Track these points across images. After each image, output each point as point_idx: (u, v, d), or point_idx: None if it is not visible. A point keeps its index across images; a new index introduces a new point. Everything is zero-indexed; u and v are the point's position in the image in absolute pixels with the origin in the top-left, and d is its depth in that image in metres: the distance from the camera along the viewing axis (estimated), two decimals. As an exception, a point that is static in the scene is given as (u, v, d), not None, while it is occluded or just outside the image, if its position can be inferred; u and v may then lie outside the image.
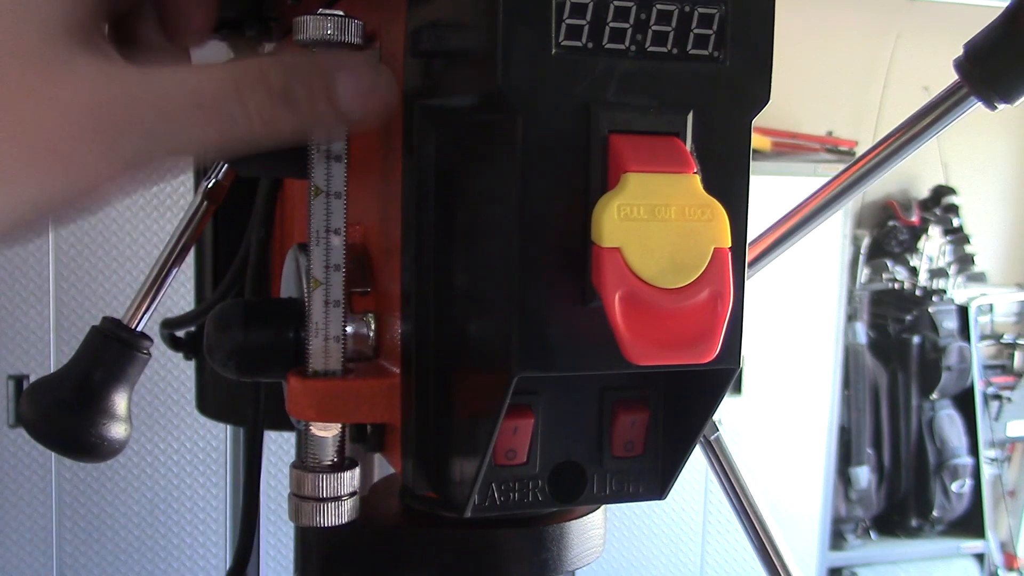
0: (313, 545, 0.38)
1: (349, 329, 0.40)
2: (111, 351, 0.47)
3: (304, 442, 0.39)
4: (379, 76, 0.34)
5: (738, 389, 2.86)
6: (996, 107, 0.41)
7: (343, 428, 0.39)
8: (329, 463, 0.38)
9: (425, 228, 0.36)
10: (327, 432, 0.38)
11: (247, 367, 0.41)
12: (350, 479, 0.38)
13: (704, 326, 0.28)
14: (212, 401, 0.74)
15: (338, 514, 0.37)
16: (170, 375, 2.36)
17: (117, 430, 0.47)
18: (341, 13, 0.35)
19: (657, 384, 0.35)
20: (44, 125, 0.30)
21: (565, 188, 0.29)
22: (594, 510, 0.40)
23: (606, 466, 0.36)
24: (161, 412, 2.40)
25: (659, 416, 0.36)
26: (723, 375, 0.32)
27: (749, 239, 0.49)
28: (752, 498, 0.47)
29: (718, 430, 0.48)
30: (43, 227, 0.32)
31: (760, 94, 0.31)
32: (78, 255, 2.33)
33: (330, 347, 0.38)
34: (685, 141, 0.30)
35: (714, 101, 0.30)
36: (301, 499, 0.38)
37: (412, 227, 0.37)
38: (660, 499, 0.36)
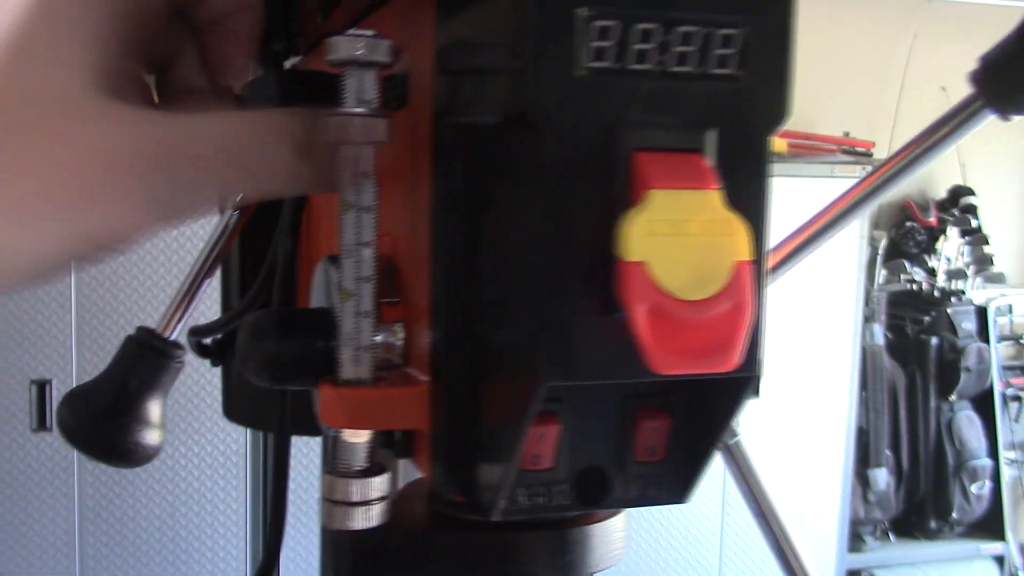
0: (344, 547, 0.39)
1: (378, 339, 0.41)
2: (145, 360, 0.49)
3: (335, 448, 0.40)
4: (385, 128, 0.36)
5: (755, 391, 2.86)
6: (1010, 119, 0.41)
7: (373, 434, 0.40)
8: (359, 469, 0.39)
9: (453, 240, 0.37)
10: (358, 439, 0.39)
11: (279, 375, 0.42)
12: (380, 484, 0.39)
13: (725, 336, 0.29)
14: (239, 407, 0.76)
15: (367, 517, 0.39)
16: (190, 379, 2.39)
17: (152, 436, 0.48)
18: (371, 32, 0.36)
19: (678, 392, 0.36)
20: (76, 170, 0.31)
21: (590, 204, 0.30)
22: (616, 513, 0.41)
23: (629, 471, 0.37)
24: (182, 416, 2.42)
25: (680, 423, 0.37)
26: (743, 383, 0.33)
27: (770, 245, 0.50)
28: (771, 501, 0.48)
29: (737, 435, 0.48)
30: (67, 268, 0.33)
31: (780, 111, 0.32)
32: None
33: (360, 356, 0.39)
34: (707, 158, 0.31)
35: (735, 119, 0.31)
36: (333, 503, 0.39)
37: (441, 239, 0.38)
38: (681, 503, 0.37)
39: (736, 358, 0.29)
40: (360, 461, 0.39)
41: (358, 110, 0.37)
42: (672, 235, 0.29)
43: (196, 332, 0.73)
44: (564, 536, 0.39)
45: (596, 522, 0.40)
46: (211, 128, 0.33)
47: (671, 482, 0.37)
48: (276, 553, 0.66)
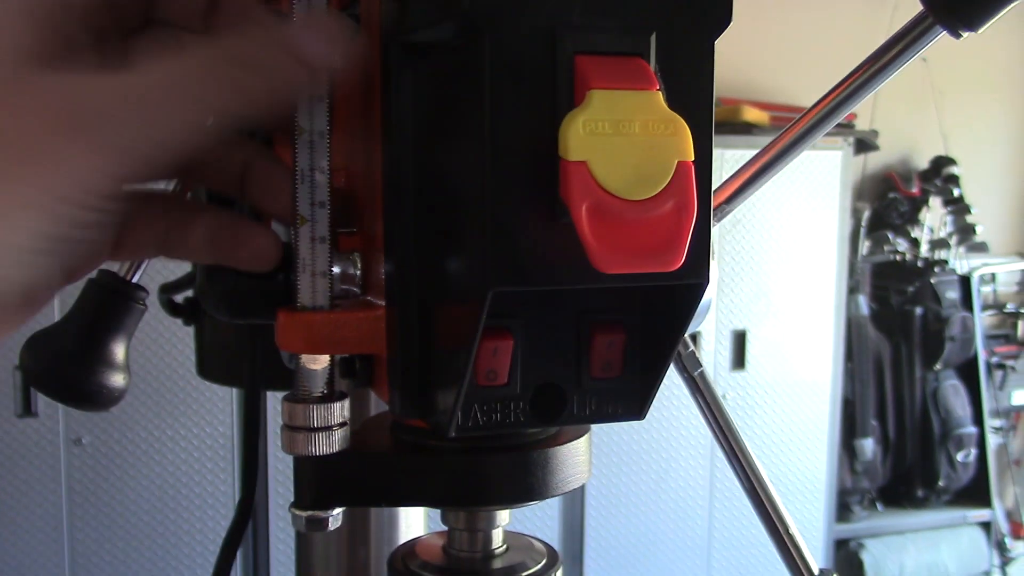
0: (306, 474, 0.39)
1: (336, 269, 0.41)
2: (109, 302, 0.48)
3: (295, 376, 0.40)
4: (336, 21, 0.35)
5: (741, 363, 2.88)
6: (961, 35, 0.41)
7: (332, 362, 0.40)
8: (319, 394, 0.39)
9: (405, 165, 0.37)
10: (316, 364, 0.39)
11: (239, 309, 0.42)
12: (340, 410, 0.39)
13: (669, 235, 0.29)
14: (211, 365, 0.76)
15: (329, 443, 0.39)
16: (175, 361, 2.38)
17: (116, 379, 0.48)
18: None
19: (632, 306, 0.37)
20: (20, 131, 0.32)
21: (533, 108, 0.30)
22: (579, 436, 0.41)
23: (585, 387, 0.37)
24: (168, 399, 2.42)
25: (635, 337, 0.37)
26: (691, 291, 0.33)
27: (736, 180, 0.50)
28: (735, 429, 0.48)
29: (701, 366, 0.49)
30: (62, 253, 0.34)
31: (721, 16, 0.32)
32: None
33: (317, 282, 0.39)
34: (648, 61, 0.31)
35: (677, 22, 0.32)
36: (293, 430, 0.39)
37: (393, 165, 0.38)
38: (639, 419, 0.38)
39: (680, 257, 0.30)
40: (320, 387, 0.39)
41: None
42: (614, 135, 0.29)
43: (166, 289, 0.73)
44: (526, 459, 0.40)
45: (558, 445, 0.40)
46: (148, 70, 0.34)
47: (628, 398, 0.37)
48: (248, 509, 0.66)
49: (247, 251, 0.40)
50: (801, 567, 0.49)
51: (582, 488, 2.69)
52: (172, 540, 2.48)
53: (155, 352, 2.38)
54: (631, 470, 2.79)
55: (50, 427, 2.39)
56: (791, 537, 0.49)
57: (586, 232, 0.29)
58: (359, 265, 0.42)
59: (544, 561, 0.44)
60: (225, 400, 2.46)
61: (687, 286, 0.33)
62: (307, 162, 0.39)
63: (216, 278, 0.42)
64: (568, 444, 0.41)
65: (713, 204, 0.48)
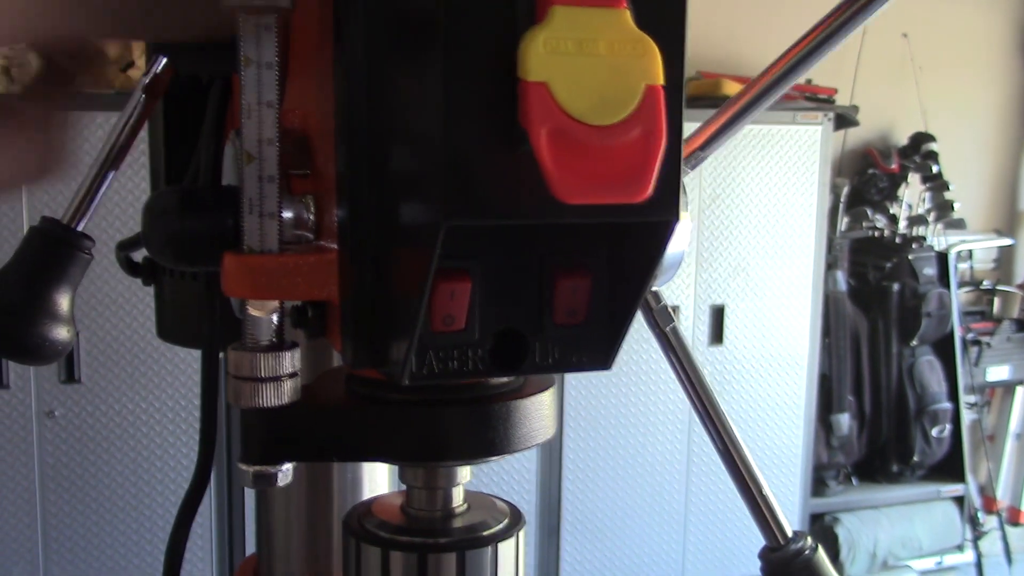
0: (253, 427, 0.37)
1: (289, 213, 0.39)
2: (52, 251, 0.46)
3: (243, 324, 0.38)
4: None
5: (719, 338, 2.87)
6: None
7: (283, 309, 0.38)
8: (267, 343, 0.37)
9: (358, 102, 0.35)
10: (263, 311, 0.37)
11: (184, 255, 0.40)
12: (290, 359, 0.37)
13: (636, 164, 0.27)
14: (171, 326, 0.73)
15: (278, 394, 0.37)
16: (146, 329, 2.35)
17: (61, 331, 0.46)
18: None
19: (597, 248, 0.34)
20: None
21: (490, 26, 0.28)
22: (543, 390, 0.39)
23: (548, 334, 0.35)
24: (140, 369, 2.39)
25: (601, 282, 0.35)
26: (660, 229, 0.31)
27: (706, 133, 0.48)
28: (709, 388, 0.47)
29: (673, 320, 0.47)
30: None
31: (694, -69, 0.30)
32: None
33: (265, 224, 0.37)
34: (615, -23, 0.29)
35: (645, -63, 0.29)
36: (240, 380, 0.37)
37: (345, 102, 0.35)
38: (605, 368, 0.36)
39: (647, 187, 0.27)
40: (267, 335, 0.37)
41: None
42: (577, 55, 0.27)
43: (124, 246, 0.70)
44: (487, 411, 0.38)
45: (521, 398, 0.38)
46: None
47: (593, 346, 0.35)
48: (207, 469, 0.64)
49: None
50: (775, 529, 0.47)
51: (559, 459, 2.68)
52: (146, 512, 2.46)
53: (125, 319, 2.34)
54: (608, 442, 2.79)
55: (21, 399, 2.36)
56: (764, 499, 0.47)
57: (546, 159, 0.26)
58: (312, 209, 0.39)
59: (507, 520, 0.42)
60: (195, 367, 2.43)
61: (655, 224, 0.31)
62: (254, 96, 0.36)
63: (160, 222, 0.40)
64: (531, 397, 0.39)
65: (686, 150, 0.46)
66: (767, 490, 0.48)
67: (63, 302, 0.46)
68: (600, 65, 0.27)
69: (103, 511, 2.43)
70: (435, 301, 0.32)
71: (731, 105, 0.46)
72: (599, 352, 0.36)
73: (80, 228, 0.47)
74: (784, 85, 0.44)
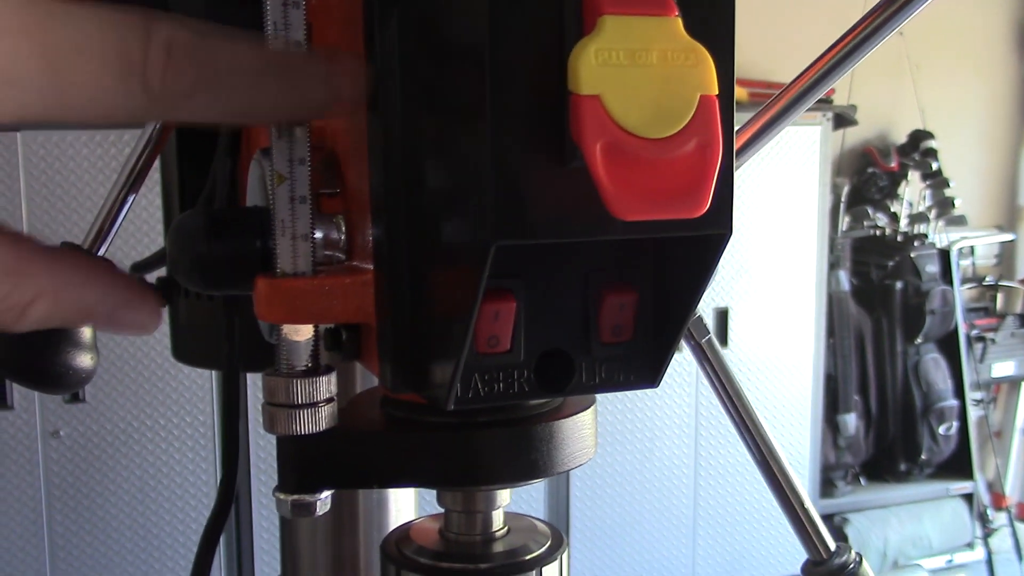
0: (290, 454, 0.36)
1: (319, 234, 0.38)
2: (72, 277, 0.45)
3: (276, 349, 0.37)
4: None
5: (724, 341, 2.86)
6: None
7: (316, 332, 0.37)
8: (303, 368, 0.36)
9: (393, 117, 0.34)
10: (299, 336, 0.36)
11: (212, 278, 0.39)
12: (326, 384, 0.36)
13: (693, 177, 0.26)
14: (187, 346, 0.72)
15: (315, 421, 0.36)
16: (153, 352, 2.34)
17: (83, 359, 0.45)
18: None
19: (644, 263, 0.33)
20: None
21: (537, 38, 0.27)
22: (584, 409, 0.38)
23: (595, 353, 0.34)
24: (145, 387, 2.38)
25: (648, 298, 0.34)
26: (713, 242, 0.30)
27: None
28: (746, 400, 0.46)
29: (708, 333, 0.46)
30: None
31: (743, -66, 0.29)
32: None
33: (298, 246, 0.36)
34: (665, -16, 0.28)
35: (694, -58, 0.28)
36: (275, 407, 0.36)
37: (379, 118, 0.34)
38: (653, 387, 0.35)
39: (706, 201, 0.26)
40: (303, 360, 0.36)
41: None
42: (629, 66, 0.26)
43: (139, 267, 0.69)
44: (527, 434, 0.36)
45: (562, 418, 0.37)
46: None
47: (640, 364, 0.34)
48: (230, 496, 0.63)
49: (130, 319, 0.35)
50: (816, 543, 0.46)
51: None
52: (153, 531, 2.45)
53: (130, 339, 2.33)
54: (615, 448, 2.78)
55: (26, 420, 2.34)
56: (806, 512, 0.46)
57: (601, 175, 0.25)
58: (343, 228, 0.38)
59: (548, 543, 0.41)
60: (204, 386, 2.42)
61: (708, 237, 0.30)
62: (284, 114, 0.35)
63: (187, 245, 0.38)
64: (573, 417, 0.38)
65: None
66: (808, 503, 0.47)
67: (85, 330, 0.45)
68: (653, 76, 0.26)
69: (110, 530, 2.42)
70: (480, 323, 0.31)
71: (763, 114, 0.45)
72: (646, 370, 0.34)
73: (101, 253, 0.46)
74: (815, 94, 0.43)
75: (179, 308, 0.72)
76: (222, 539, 2.48)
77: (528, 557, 0.40)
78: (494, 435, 0.36)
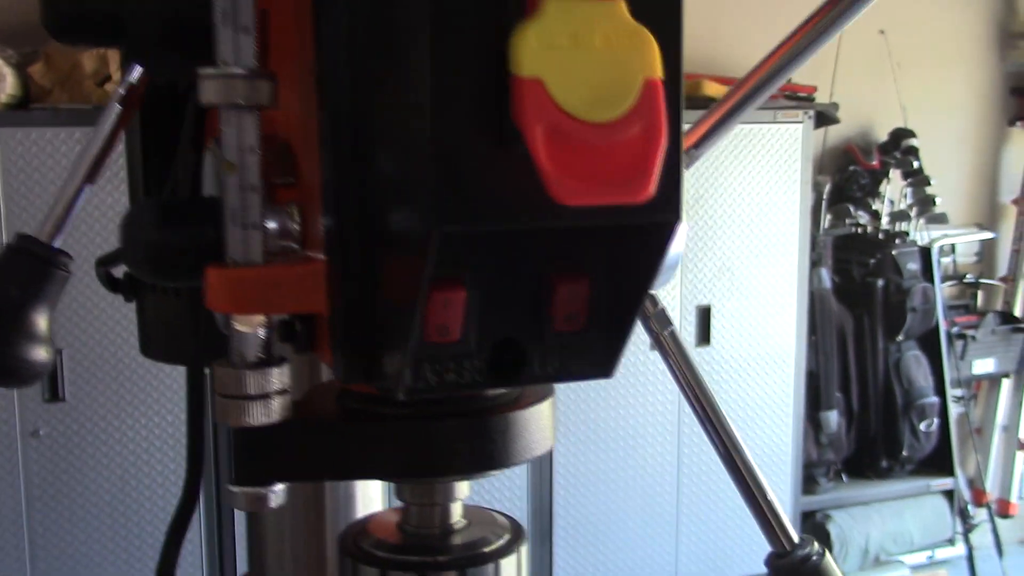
0: (242, 446, 0.36)
1: (273, 223, 0.37)
2: (26, 268, 0.44)
3: (228, 340, 0.36)
4: None
5: (706, 339, 2.86)
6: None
7: (270, 323, 0.36)
8: (255, 359, 0.36)
9: (342, 105, 0.34)
10: (249, 326, 0.36)
11: (164, 269, 0.38)
12: (279, 376, 0.36)
13: (637, 162, 0.26)
14: (154, 342, 0.71)
15: (267, 412, 0.35)
16: (127, 345, 2.32)
17: (39, 352, 0.44)
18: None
19: (595, 251, 0.33)
20: None
21: (478, 19, 0.27)
22: (542, 400, 0.38)
23: (547, 342, 0.34)
24: (124, 386, 2.36)
25: (600, 287, 0.33)
26: (662, 230, 0.30)
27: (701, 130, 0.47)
28: (709, 392, 0.45)
29: (671, 324, 0.46)
30: None
31: (689, -80, 0.29)
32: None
33: (248, 235, 0.35)
34: (609, -32, 0.28)
35: (639, -75, 0.28)
36: (227, 398, 0.35)
37: (328, 106, 0.34)
38: (606, 377, 0.34)
39: (650, 186, 0.26)
40: (255, 351, 0.36)
41: (237, 71, 0.33)
42: (572, 48, 0.26)
43: (104, 261, 0.68)
44: (484, 424, 0.36)
45: (519, 409, 0.37)
46: None
47: (593, 354, 0.34)
48: (195, 489, 0.62)
49: None
50: (780, 535, 0.46)
51: (550, 465, 2.67)
52: (135, 530, 2.43)
53: (108, 335, 2.32)
54: (598, 446, 2.77)
55: (5, 419, 2.33)
56: (769, 504, 0.46)
57: (543, 158, 0.25)
58: (297, 218, 0.38)
59: (507, 536, 0.41)
60: (182, 384, 2.40)
61: (657, 224, 0.30)
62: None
63: (139, 235, 0.38)
64: (530, 408, 0.37)
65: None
66: (771, 495, 0.47)
67: (41, 321, 0.44)
68: (596, 59, 0.26)
69: (91, 529, 2.41)
70: (428, 311, 0.31)
71: (722, 104, 0.44)
72: (600, 360, 0.34)
73: (57, 244, 0.46)
74: (774, 83, 0.43)
75: (146, 304, 0.71)
76: (203, 535, 2.47)
77: (487, 549, 0.39)
78: (450, 426, 0.36)
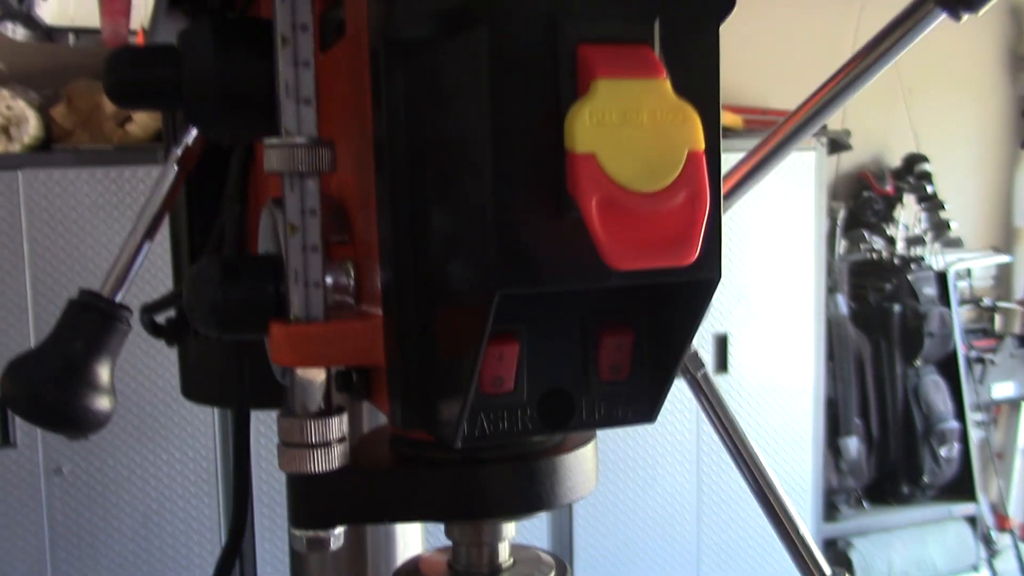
0: (304, 492, 0.38)
1: (329, 279, 0.40)
2: (90, 322, 0.47)
3: (290, 391, 0.38)
4: None
5: (724, 367, 2.87)
6: (961, 18, 0.41)
7: (328, 374, 0.39)
8: (316, 410, 0.38)
9: (400, 169, 0.36)
10: (312, 378, 0.38)
11: (227, 323, 0.40)
12: (338, 425, 0.38)
13: (682, 227, 0.28)
14: (197, 385, 0.74)
15: (327, 460, 0.37)
16: (155, 386, 2.35)
17: (102, 402, 0.46)
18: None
19: (639, 305, 0.35)
20: None
21: (535, 100, 0.29)
22: (586, 443, 0.40)
23: (594, 391, 0.36)
24: (148, 424, 2.38)
25: (643, 338, 0.36)
26: (703, 287, 0.32)
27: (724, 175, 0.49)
28: (741, 430, 0.47)
29: (703, 366, 0.48)
30: None
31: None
32: (56, 284, 2.31)
33: (310, 293, 0.38)
34: (653, 48, 0.30)
35: (680, 8, 0.30)
36: (290, 447, 0.37)
37: (387, 169, 0.36)
38: (649, 422, 0.36)
39: (694, 250, 0.28)
40: (316, 402, 0.38)
41: (300, 140, 0.36)
42: (621, 125, 0.28)
43: (148, 309, 0.71)
44: (531, 468, 0.38)
45: (565, 452, 0.39)
46: None
47: (637, 400, 0.36)
48: (241, 531, 0.64)
49: None
50: (812, 569, 0.48)
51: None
52: (157, 567, 2.44)
53: (133, 375, 2.34)
54: (618, 477, 2.78)
55: (29, 456, 2.35)
56: (802, 539, 0.48)
57: (597, 227, 0.27)
58: (352, 274, 0.40)
59: (552, 572, 0.43)
60: (207, 422, 2.43)
61: (699, 282, 0.32)
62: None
63: (203, 292, 0.40)
64: (575, 451, 0.39)
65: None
66: (804, 530, 0.48)
67: (103, 373, 0.46)
68: (644, 134, 0.28)
69: (114, 567, 2.42)
70: (485, 364, 0.33)
71: (754, 154, 0.47)
72: (643, 406, 0.36)
73: (118, 299, 0.48)
74: (806, 132, 0.45)
75: (189, 348, 0.74)
76: None
77: (534, 587, 0.41)
78: (499, 470, 0.38)
